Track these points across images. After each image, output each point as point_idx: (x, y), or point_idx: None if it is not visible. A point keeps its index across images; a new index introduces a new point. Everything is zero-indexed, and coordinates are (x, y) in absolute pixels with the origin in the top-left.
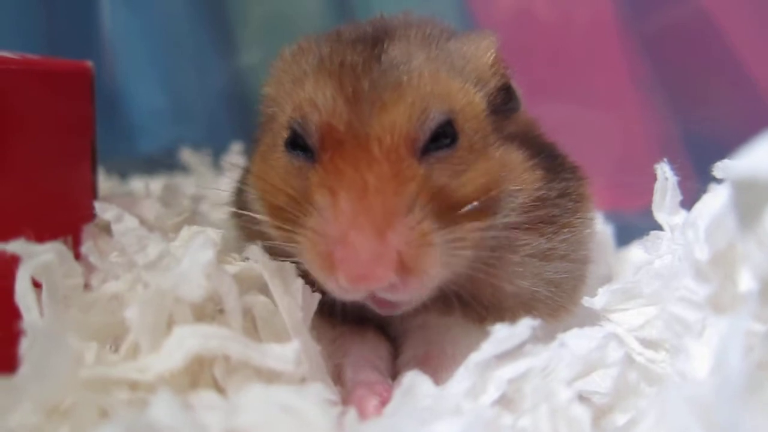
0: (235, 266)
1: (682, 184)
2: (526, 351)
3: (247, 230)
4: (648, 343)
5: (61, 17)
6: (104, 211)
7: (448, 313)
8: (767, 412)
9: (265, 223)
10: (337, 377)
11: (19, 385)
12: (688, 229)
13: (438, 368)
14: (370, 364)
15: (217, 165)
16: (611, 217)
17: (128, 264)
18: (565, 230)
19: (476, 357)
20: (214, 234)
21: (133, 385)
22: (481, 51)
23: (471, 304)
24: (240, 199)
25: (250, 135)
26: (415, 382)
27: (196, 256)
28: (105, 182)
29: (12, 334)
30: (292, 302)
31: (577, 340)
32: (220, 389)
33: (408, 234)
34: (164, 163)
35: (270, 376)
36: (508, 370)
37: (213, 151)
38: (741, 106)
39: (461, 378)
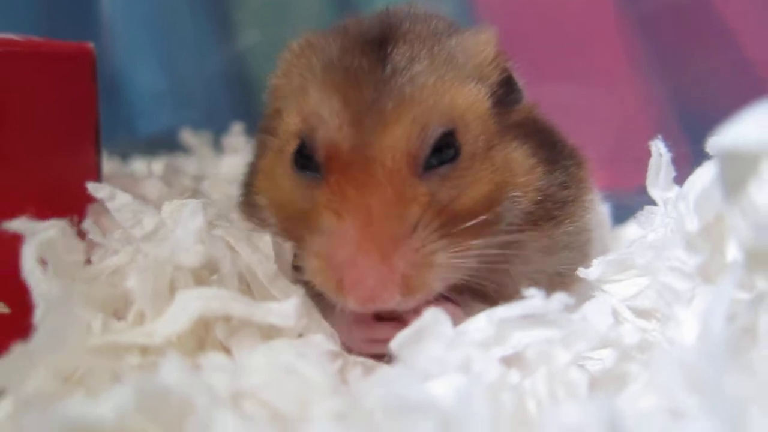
0: (220, 231)
1: (678, 163)
2: (550, 319)
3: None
4: (640, 312)
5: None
6: (97, 190)
7: (458, 295)
8: (750, 373)
9: (274, 225)
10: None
11: (35, 352)
12: (679, 202)
13: (456, 315)
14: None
15: (217, 145)
16: (608, 196)
17: (126, 238)
18: (567, 221)
19: (502, 312)
20: (198, 204)
21: (143, 350)
22: (482, 46)
23: (479, 289)
24: (249, 199)
25: (249, 115)
26: (436, 318)
27: (187, 224)
28: (106, 164)
29: (20, 309)
30: (262, 257)
31: (596, 316)
32: (225, 349)
33: (412, 257)
34: (165, 144)
35: (271, 332)
36: (530, 335)
37: (213, 131)
38: (737, 85)
39: (481, 326)
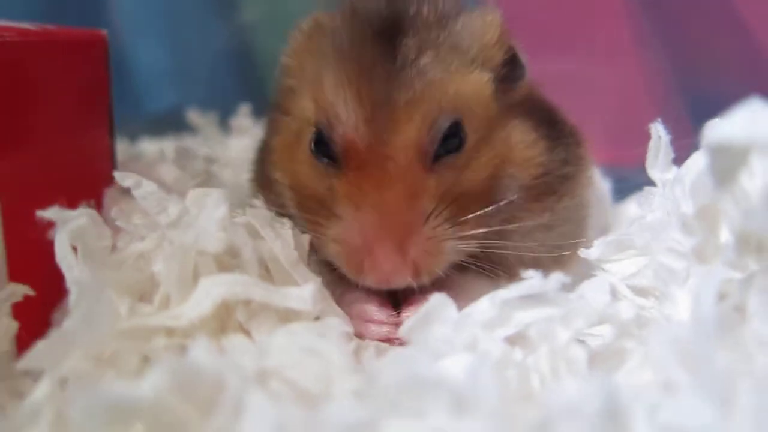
0: (242, 219)
1: (680, 140)
2: (549, 298)
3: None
4: (639, 291)
5: None
6: (124, 179)
7: (462, 269)
8: (741, 349)
9: (290, 204)
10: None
11: (69, 335)
12: (676, 185)
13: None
14: (364, 295)
15: (224, 125)
16: (610, 171)
17: (151, 225)
18: (567, 196)
19: (503, 294)
20: (221, 193)
21: (169, 332)
22: (487, 27)
23: (482, 262)
24: (263, 174)
25: (255, 92)
26: (442, 303)
27: (211, 213)
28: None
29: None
30: (285, 243)
31: (594, 294)
32: (245, 331)
33: (423, 245)
34: (171, 123)
35: (288, 316)
36: (531, 314)
37: (218, 109)
38: (741, 63)
39: (484, 309)
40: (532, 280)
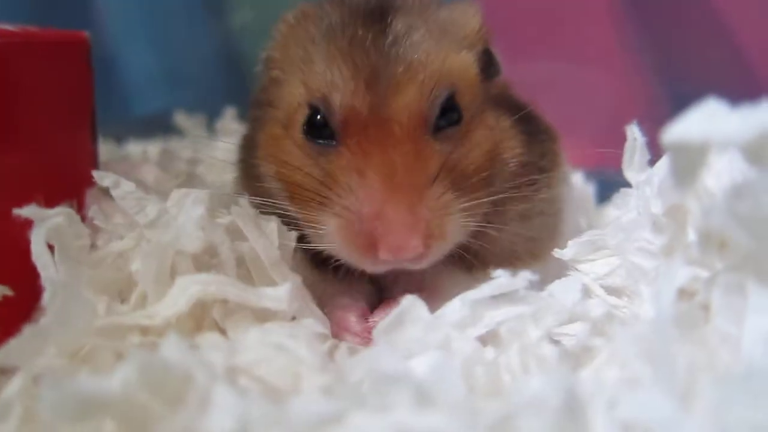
0: (224, 219)
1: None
2: (520, 297)
3: (259, 204)
4: (612, 290)
5: None
6: (102, 178)
7: (441, 262)
8: (705, 347)
9: (279, 198)
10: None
11: (44, 331)
12: (646, 185)
13: (428, 301)
14: (346, 294)
15: (211, 128)
16: (598, 174)
17: (130, 224)
18: (544, 188)
19: (474, 294)
20: (202, 193)
21: (144, 331)
22: (469, 16)
23: (461, 255)
24: (248, 171)
25: (242, 96)
26: (413, 305)
27: (190, 212)
28: (101, 146)
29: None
30: (267, 242)
31: (565, 293)
32: (221, 330)
33: (434, 205)
34: (159, 125)
35: (265, 315)
36: (502, 312)
37: (206, 112)
38: (727, 66)
39: (455, 309)
40: (501, 279)
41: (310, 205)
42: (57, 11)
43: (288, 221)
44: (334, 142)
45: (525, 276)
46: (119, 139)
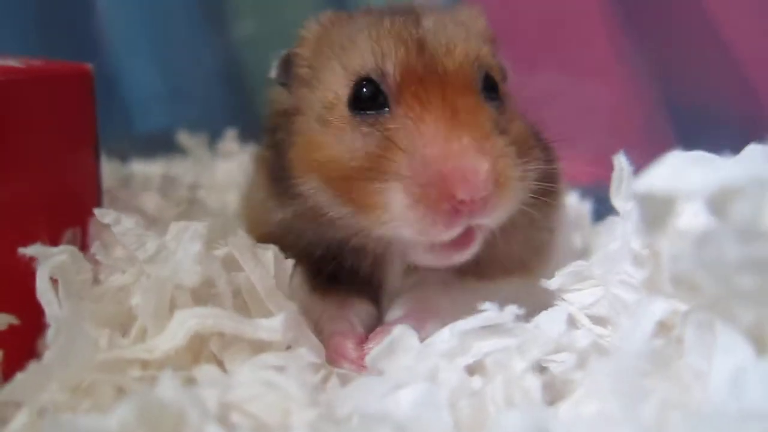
0: (221, 251)
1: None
2: (507, 329)
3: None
4: (597, 320)
5: None
6: (104, 216)
7: (437, 279)
8: (678, 382)
9: (324, 201)
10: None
11: (48, 368)
12: (626, 219)
13: (425, 321)
14: (344, 318)
15: (213, 147)
16: (596, 190)
17: (131, 259)
18: (545, 199)
19: (463, 325)
20: (200, 226)
21: (144, 364)
22: (476, 17)
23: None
24: (280, 187)
25: (245, 113)
26: (403, 334)
27: (188, 248)
28: (106, 165)
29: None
30: (263, 272)
31: (551, 324)
32: (218, 362)
33: (500, 149)
34: (162, 143)
35: (261, 346)
36: (489, 344)
37: (209, 131)
38: (724, 78)
39: (444, 339)
40: (489, 312)
41: (366, 189)
42: (61, 30)
43: (330, 239)
44: (387, 109)
45: (512, 310)
46: (123, 157)
